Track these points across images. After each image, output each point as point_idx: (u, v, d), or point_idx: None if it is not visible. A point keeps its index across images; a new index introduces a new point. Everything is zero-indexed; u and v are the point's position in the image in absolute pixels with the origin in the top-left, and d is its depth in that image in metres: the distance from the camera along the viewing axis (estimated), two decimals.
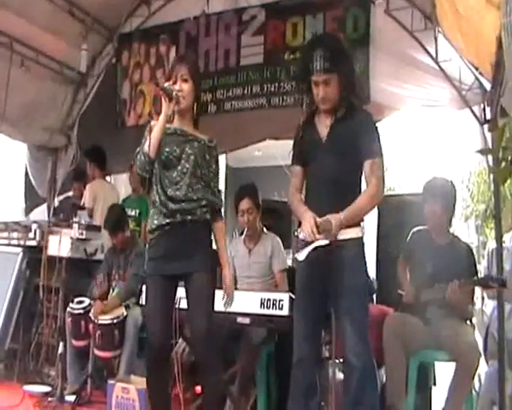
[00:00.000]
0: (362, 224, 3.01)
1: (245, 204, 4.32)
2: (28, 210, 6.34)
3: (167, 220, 3.06)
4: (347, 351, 2.89)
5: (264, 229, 4.50)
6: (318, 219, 2.85)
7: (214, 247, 3.30)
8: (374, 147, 2.98)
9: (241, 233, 4.58)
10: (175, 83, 3.14)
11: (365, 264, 3.04)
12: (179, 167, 3.09)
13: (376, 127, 3.05)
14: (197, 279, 3.02)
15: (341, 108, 3.02)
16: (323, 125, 3.07)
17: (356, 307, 2.89)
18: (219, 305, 3.53)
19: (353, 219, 2.90)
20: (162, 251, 3.09)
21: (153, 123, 3.10)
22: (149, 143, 3.05)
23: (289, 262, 4.62)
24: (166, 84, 3.12)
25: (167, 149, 3.10)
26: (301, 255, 2.91)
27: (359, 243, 2.99)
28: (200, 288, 3.01)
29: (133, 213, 5.67)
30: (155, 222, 3.10)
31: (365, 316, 2.95)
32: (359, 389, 2.84)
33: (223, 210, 3.33)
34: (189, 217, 3.05)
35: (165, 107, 3.07)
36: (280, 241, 4.44)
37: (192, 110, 3.22)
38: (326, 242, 2.84)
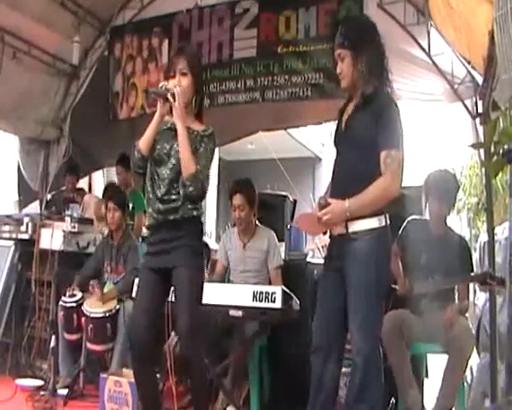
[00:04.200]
0: (382, 214, 2.83)
1: (237, 200, 4.32)
2: (22, 205, 6.30)
3: (153, 222, 3.11)
4: (352, 348, 2.83)
5: (258, 222, 4.50)
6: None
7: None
8: (391, 137, 2.80)
9: (234, 225, 4.59)
10: (174, 77, 3.12)
11: (379, 257, 2.81)
12: (169, 165, 3.07)
13: (398, 114, 2.87)
14: (179, 274, 3.01)
15: (361, 95, 2.88)
16: (346, 114, 2.99)
17: (362, 303, 2.77)
18: (212, 298, 3.55)
19: (360, 209, 2.75)
20: (151, 247, 3.16)
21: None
22: (143, 140, 3.06)
23: (282, 255, 4.62)
24: (161, 85, 3.09)
25: (158, 147, 3.10)
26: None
27: (374, 234, 2.79)
28: (182, 283, 3.00)
29: None
30: (147, 222, 3.18)
31: (373, 313, 2.81)
32: (360, 388, 2.78)
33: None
34: (171, 217, 3.04)
35: (159, 106, 3.06)
36: (275, 236, 4.44)
37: (192, 103, 3.16)
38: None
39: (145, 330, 3.03)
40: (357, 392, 2.80)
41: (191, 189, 2.97)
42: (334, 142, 3.07)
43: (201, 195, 3.04)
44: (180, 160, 3.01)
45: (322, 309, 2.96)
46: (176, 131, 3.08)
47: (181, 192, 3.02)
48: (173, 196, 3.04)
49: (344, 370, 3.29)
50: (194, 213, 3.08)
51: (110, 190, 5.12)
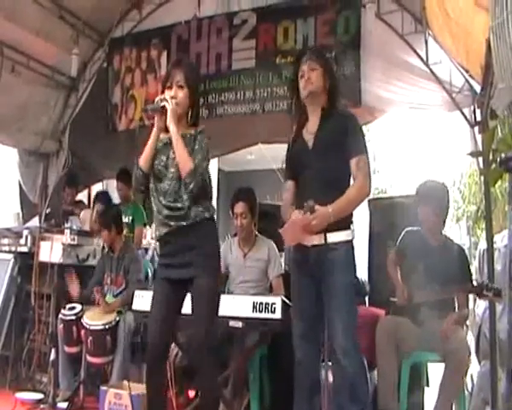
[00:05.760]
0: (352, 226, 3.06)
1: (239, 208, 4.33)
2: (26, 219, 6.28)
3: (165, 230, 3.08)
4: (336, 350, 2.94)
5: (257, 232, 4.50)
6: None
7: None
8: (359, 145, 3.06)
9: (235, 234, 4.59)
10: (171, 87, 3.14)
11: (354, 266, 3.09)
12: (169, 175, 3.08)
13: (361, 127, 3.15)
14: (198, 285, 3.00)
15: (326, 113, 3.13)
16: (309, 134, 3.16)
17: (344, 308, 2.95)
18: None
19: (341, 212, 2.95)
20: (166, 259, 3.14)
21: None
22: (142, 157, 3.08)
23: (282, 265, 4.62)
24: (156, 99, 3.11)
25: (156, 162, 3.11)
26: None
27: (349, 246, 3.04)
28: (200, 294, 3.00)
29: (126, 220, 5.66)
30: (157, 233, 3.16)
31: (353, 316, 2.99)
32: (349, 389, 2.89)
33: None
34: (184, 223, 3.03)
35: (156, 120, 3.09)
36: (275, 246, 4.44)
37: (187, 115, 3.19)
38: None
39: (161, 341, 3.05)
40: (348, 392, 2.90)
41: (192, 185, 2.99)
42: (298, 160, 3.20)
43: (203, 189, 3.07)
44: (178, 164, 3.03)
45: (303, 319, 3.10)
46: (169, 143, 3.10)
47: (184, 196, 3.02)
48: (179, 205, 3.04)
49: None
50: (206, 214, 3.08)
51: (96, 203, 5.15)
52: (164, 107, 3.05)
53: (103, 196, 5.88)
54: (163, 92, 3.16)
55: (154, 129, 3.10)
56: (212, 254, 3.11)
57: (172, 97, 3.09)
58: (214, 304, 3.07)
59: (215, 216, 3.24)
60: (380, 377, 3.63)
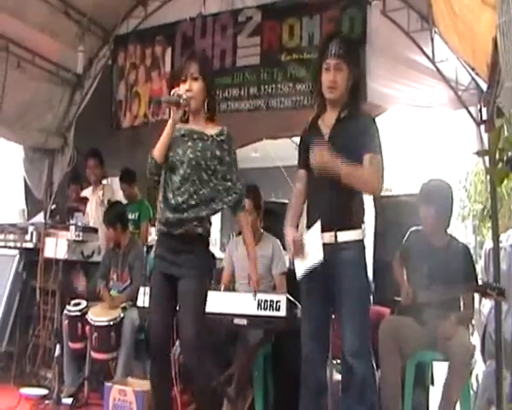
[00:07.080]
0: (363, 226, 3.05)
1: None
2: (31, 215, 6.29)
3: (164, 229, 3.12)
4: (346, 352, 2.93)
5: (262, 230, 4.49)
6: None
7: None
8: (374, 145, 3.03)
9: (239, 233, 4.58)
10: (185, 81, 3.14)
11: (366, 266, 3.07)
12: (181, 172, 3.08)
13: (377, 128, 3.09)
14: (185, 284, 3.03)
15: (345, 109, 3.08)
16: (326, 126, 3.13)
17: (356, 308, 2.94)
18: (216, 307, 3.54)
19: (350, 176, 2.92)
20: (162, 252, 3.17)
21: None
22: (157, 147, 3.08)
23: (287, 264, 4.61)
24: (172, 92, 3.12)
25: (171, 154, 3.11)
26: (298, 272, 3.06)
27: (361, 245, 3.03)
28: (188, 293, 3.02)
29: (132, 217, 5.69)
30: (158, 226, 3.18)
31: (365, 317, 2.99)
32: (358, 390, 2.87)
33: (219, 212, 3.29)
34: (180, 230, 3.05)
35: (173, 113, 3.10)
36: (280, 243, 4.43)
37: (204, 107, 3.20)
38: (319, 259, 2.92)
39: (163, 332, 3.08)
40: (354, 393, 2.89)
41: (236, 198, 3.20)
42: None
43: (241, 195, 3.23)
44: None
45: (311, 320, 3.09)
46: (190, 136, 3.12)
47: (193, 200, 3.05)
48: (183, 209, 3.04)
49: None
50: (199, 230, 3.09)
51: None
52: (179, 102, 3.06)
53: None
54: (177, 86, 3.16)
55: (170, 121, 3.10)
56: (203, 261, 3.13)
57: (187, 90, 3.09)
58: (201, 304, 3.07)
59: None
60: (383, 377, 3.61)
